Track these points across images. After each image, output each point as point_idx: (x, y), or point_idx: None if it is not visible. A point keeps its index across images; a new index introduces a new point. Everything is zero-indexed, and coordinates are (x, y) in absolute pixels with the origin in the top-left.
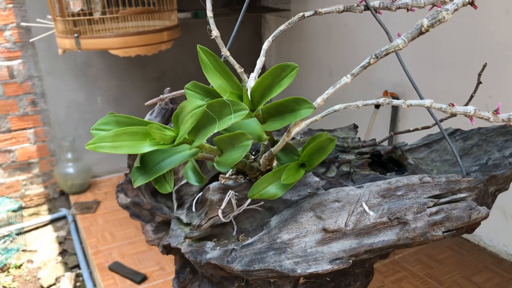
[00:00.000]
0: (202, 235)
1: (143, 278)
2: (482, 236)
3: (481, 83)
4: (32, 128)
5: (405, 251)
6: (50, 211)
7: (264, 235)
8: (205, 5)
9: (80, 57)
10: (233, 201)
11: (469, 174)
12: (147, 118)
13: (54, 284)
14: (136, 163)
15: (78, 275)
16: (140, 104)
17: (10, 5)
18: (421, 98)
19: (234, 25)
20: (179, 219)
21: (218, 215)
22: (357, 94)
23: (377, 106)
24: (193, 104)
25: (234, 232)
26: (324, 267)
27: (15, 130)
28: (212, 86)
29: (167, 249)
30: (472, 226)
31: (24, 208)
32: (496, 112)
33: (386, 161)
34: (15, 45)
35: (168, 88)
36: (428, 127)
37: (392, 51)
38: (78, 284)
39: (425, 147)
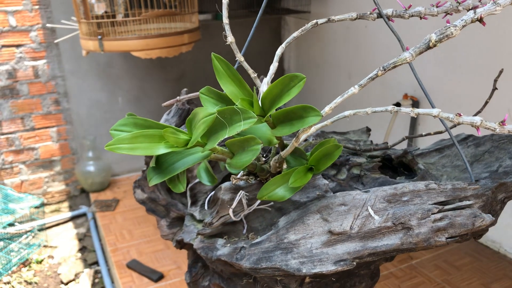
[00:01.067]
0: (213, 232)
1: (160, 277)
2: (502, 243)
3: (497, 89)
4: (55, 126)
5: (423, 256)
6: (71, 208)
7: (272, 235)
8: (222, 11)
9: (103, 58)
10: (244, 201)
11: (478, 181)
12: (164, 117)
13: (73, 280)
14: (152, 163)
15: (97, 272)
16: (160, 104)
17: (36, 7)
18: (432, 105)
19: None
20: (192, 216)
21: (229, 214)
22: (377, 97)
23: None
24: (205, 111)
25: (245, 230)
26: (329, 268)
27: (39, 129)
28: (225, 92)
29: (181, 244)
30: (478, 233)
31: (45, 204)
32: (502, 123)
33: (396, 165)
34: (40, 45)
35: (185, 89)
36: (440, 132)
37: (400, 64)
38: (96, 280)
39: (437, 152)
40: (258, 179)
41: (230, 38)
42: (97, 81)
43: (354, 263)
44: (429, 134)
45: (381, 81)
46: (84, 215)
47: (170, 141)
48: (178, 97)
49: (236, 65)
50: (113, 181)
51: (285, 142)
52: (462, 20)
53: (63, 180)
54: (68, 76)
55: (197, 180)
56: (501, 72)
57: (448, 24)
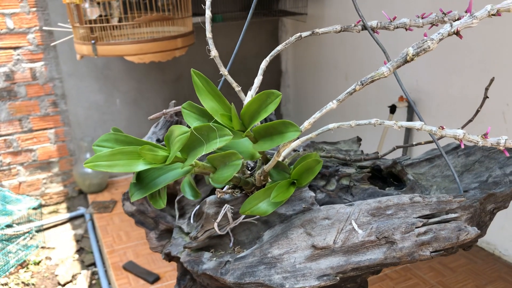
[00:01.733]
0: (200, 246)
1: (156, 278)
2: (497, 245)
3: (488, 97)
4: (52, 128)
5: None
6: (69, 209)
7: (256, 249)
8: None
9: (100, 60)
10: (229, 215)
11: (467, 192)
12: (152, 130)
13: (70, 281)
14: (133, 179)
15: (94, 273)
16: (157, 106)
17: (34, 9)
18: (419, 117)
19: (252, 29)
20: (180, 228)
21: (214, 228)
22: (373, 100)
23: (392, 111)
24: (180, 130)
25: (231, 243)
26: (312, 283)
27: (37, 130)
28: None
29: (169, 257)
30: (466, 244)
31: (43, 206)
32: (485, 136)
33: (386, 176)
34: (37, 47)
35: (173, 102)
36: (431, 142)
37: (378, 79)
38: (93, 282)
39: (427, 162)
40: (243, 192)
41: (214, 53)
42: (94, 83)
43: (338, 277)
44: (419, 143)
45: (377, 83)
46: (82, 216)
47: (147, 159)
48: (164, 110)
49: (221, 80)
50: (110, 183)
51: (268, 156)
52: (439, 34)
53: (61, 182)
54: (65, 78)
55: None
56: (492, 80)
57: (425, 38)
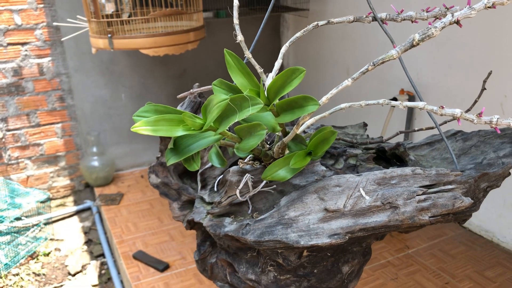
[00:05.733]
0: (221, 212)
1: (166, 267)
2: (495, 232)
3: (485, 89)
4: (59, 123)
5: (419, 245)
6: (76, 202)
7: (274, 212)
8: (231, 11)
9: (106, 55)
10: (250, 183)
11: (463, 171)
12: (178, 109)
13: (80, 271)
14: (170, 145)
15: (103, 263)
16: (162, 101)
17: (41, 5)
18: (421, 99)
19: (254, 24)
20: (202, 199)
21: (236, 194)
22: (374, 92)
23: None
24: (219, 97)
25: (249, 210)
26: (324, 240)
27: (44, 125)
28: (235, 84)
29: (191, 224)
30: (461, 217)
31: (51, 199)
32: (479, 115)
33: (389, 157)
34: (45, 43)
35: (197, 84)
36: (432, 128)
37: (388, 60)
38: (103, 272)
39: (428, 145)
40: (262, 164)
41: (240, 37)
42: (100, 78)
43: (347, 237)
44: (421, 129)
45: (378, 76)
46: (89, 209)
47: (188, 124)
48: (191, 90)
49: (244, 61)
50: (116, 176)
51: (287, 129)
52: (441, 22)
53: (68, 175)
54: (72, 73)
55: (207, 166)
56: (489, 74)
57: (429, 26)
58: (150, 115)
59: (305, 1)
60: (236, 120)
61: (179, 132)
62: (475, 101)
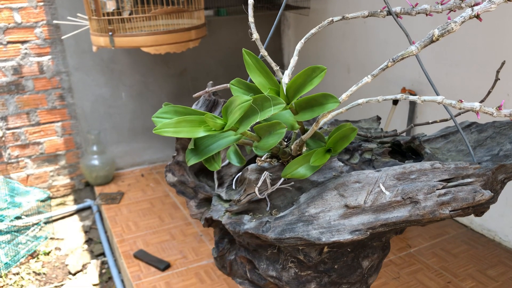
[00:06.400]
0: (240, 210)
1: (167, 266)
2: (497, 231)
3: (499, 79)
4: (59, 121)
5: (420, 244)
6: (76, 201)
7: (295, 209)
8: (246, 9)
9: (106, 54)
10: (268, 181)
11: (480, 163)
12: (193, 107)
13: (81, 270)
14: (190, 146)
15: (103, 263)
16: (162, 99)
17: (41, 3)
18: (437, 93)
19: (257, 22)
20: (219, 196)
21: (255, 192)
22: (375, 91)
23: (395, 102)
24: (242, 98)
25: (268, 207)
26: (345, 237)
27: (44, 123)
28: (253, 82)
29: (209, 222)
30: (480, 209)
31: (51, 198)
32: (499, 108)
33: (405, 150)
34: (45, 41)
35: (211, 82)
36: (446, 120)
37: (407, 56)
38: (103, 271)
39: (442, 138)
40: (280, 161)
41: (255, 35)
42: (101, 77)
43: (368, 233)
44: (435, 121)
45: (380, 75)
46: (89, 208)
47: (210, 125)
48: (206, 89)
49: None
50: (116, 175)
51: (305, 127)
52: (461, 17)
53: (68, 174)
54: (72, 72)
55: (224, 164)
56: (503, 63)
57: (449, 21)
58: (170, 116)
59: None
60: (258, 120)
61: (201, 133)
62: (489, 92)
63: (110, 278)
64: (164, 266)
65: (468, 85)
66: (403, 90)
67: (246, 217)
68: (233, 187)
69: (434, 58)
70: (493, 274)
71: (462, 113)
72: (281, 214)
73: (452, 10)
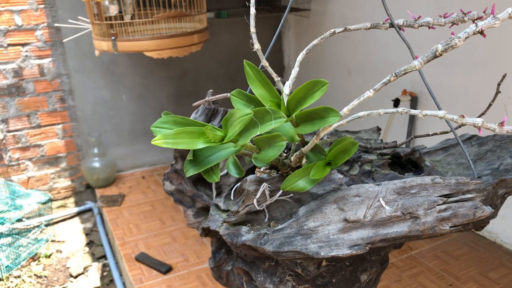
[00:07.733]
0: (238, 221)
1: (168, 269)
2: (498, 233)
3: (500, 92)
4: (60, 123)
5: (422, 247)
6: (77, 203)
7: (293, 222)
8: (247, 20)
9: (107, 56)
10: (267, 192)
11: (480, 178)
12: (192, 116)
13: (82, 273)
14: (189, 157)
15: (105, 265)
16: (162, 101)
17: (42, 6)
18: (438, 107)
19: (256, 25)
20: (217, 206)
21: (253, 203)
22: (377, 93)
23: (396, 104)
24: (242, 112)
25: (266, 219)
26: (344, 251)
27: (45, 126)
28: (253, 93)
29: (206, 232)
30: (480, 224)
31: (52, 200)
32: (501, 124)
33: (405, 162)
34: (45, 44)
35: (211, 91)
36: (446, 132)
37: (410, 71)
38: (105, 273)
39: (442, 150)
40: (279, 172)
41: (257, 46)
42: (101, 79)
43: (367, 248)
44: (435, 134)
45: (381, 77)
46: (90, 210)
47: (209, 137)
48: (206, 98)
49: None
50: (117, 177)
51: (305, 139)
52: (465, 32)
53: (69, 176)
54: (73, 74)
55: (222, 173)
56: (504, 77)
57: (452, 36)
58: (169, 126)
59: (306, 1)
60: (258, 133)
61: (200, 144)
62: (490, 105)
63: (112, 281)
64: (165, 269)
65: (468, 88)
66: (404, 92)
67: (244, 229)
68: (231, 197)
69: (434, 61)
70: (494, 276)
71: (461, 125)
72: (280, 226)
73: (455, 24)
